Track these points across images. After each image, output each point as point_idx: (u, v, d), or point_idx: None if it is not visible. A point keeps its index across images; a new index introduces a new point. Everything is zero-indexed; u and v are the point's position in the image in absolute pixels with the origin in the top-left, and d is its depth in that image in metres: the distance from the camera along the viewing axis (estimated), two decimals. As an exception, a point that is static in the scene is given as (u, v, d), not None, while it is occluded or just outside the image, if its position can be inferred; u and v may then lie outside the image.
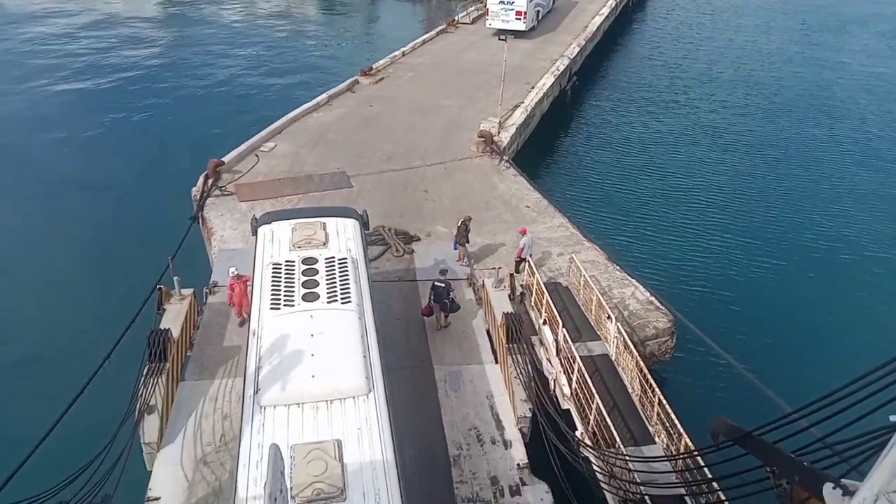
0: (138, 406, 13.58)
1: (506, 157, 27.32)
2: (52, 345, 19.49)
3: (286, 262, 13.05)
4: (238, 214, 22.49)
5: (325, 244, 13.69)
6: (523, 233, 19.67)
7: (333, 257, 13.18)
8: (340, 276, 12.64)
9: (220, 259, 20.02)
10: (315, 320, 11.57)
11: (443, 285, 16.97)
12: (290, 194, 23.76)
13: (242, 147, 26.67)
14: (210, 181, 24.16)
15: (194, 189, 24.02)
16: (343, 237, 14.13)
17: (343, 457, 9.26)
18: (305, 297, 12.08)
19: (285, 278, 12.61)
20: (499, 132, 29.01)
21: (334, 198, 23.66)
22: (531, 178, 26.04)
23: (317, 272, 12.76)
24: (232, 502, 9.12)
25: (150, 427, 13.50)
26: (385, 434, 9.83)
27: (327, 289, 12.29)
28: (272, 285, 12.46)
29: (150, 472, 13.13)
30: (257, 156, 26.59)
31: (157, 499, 12.52)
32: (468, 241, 20.15)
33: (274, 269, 12.92)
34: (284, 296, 12.15)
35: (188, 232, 20.48)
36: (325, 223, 14.36)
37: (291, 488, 8.73)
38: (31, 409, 14.87)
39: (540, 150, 33.13)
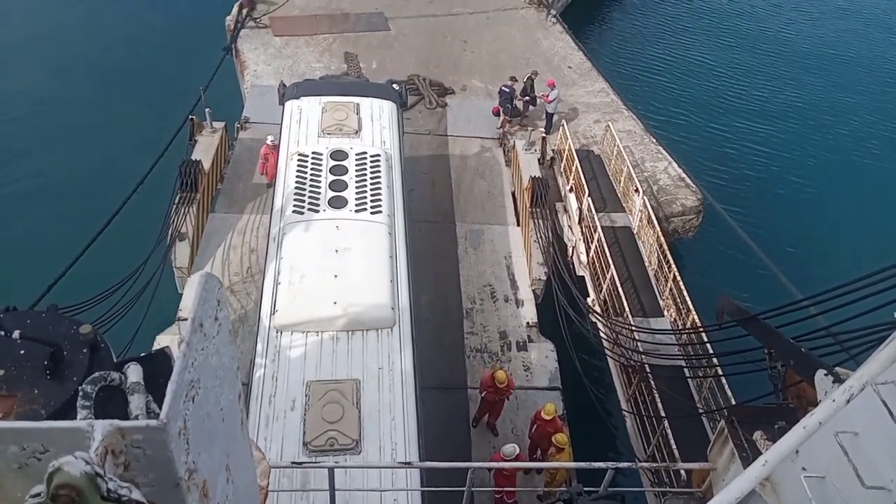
0: (170, 232, 14.17)
1: (554, 11, 25.77)
2: (84, 169, 19.85)
3: (313, 153, 12.10)
4: (272, 49, 21.94)
5: (357, 132, 12.76)
6: (552, 86, 19.01)
7: (365, 153, 12.20)
8: (372, 179, 11.72)
9: (253, 94, 19.83)
10: (341, 232, 10.80)
11: (508, 90, 18.51)
12: (326, 33, 22.98)
13: (279, -24, 25.40)
14: (245, 11, 23.34)
15: (228, 18, 23.28)
16: (378, 125, 13.15)
17: (361, 401, 8.83)
18: (332, 202, 11.24)
19: (311, 175, 11.69)
20: (549, -18, 27.16)
21: (370, 40, 22.88)
22: (577, 38, 24.72)
23: (346, 171, 11.79)
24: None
25: (181, 253, 14.18)
26: (407, 376, 9.32)
27: (356, 193, 11.42)
28: (297, 181, 11.59)
29: (181, 294, 13.95)
30: (294, -13, 25.40)
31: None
32: (530, 95, 19.48)
33: (300, 161, 11.99)
34: (309, 197, 11.32)
35: (221, 63, 20.10)
36: (358, 105, 13.30)
37: (305, 433, 8.46)
38: (65, 230, 15.47)
39: (591, 6, 31.10)
